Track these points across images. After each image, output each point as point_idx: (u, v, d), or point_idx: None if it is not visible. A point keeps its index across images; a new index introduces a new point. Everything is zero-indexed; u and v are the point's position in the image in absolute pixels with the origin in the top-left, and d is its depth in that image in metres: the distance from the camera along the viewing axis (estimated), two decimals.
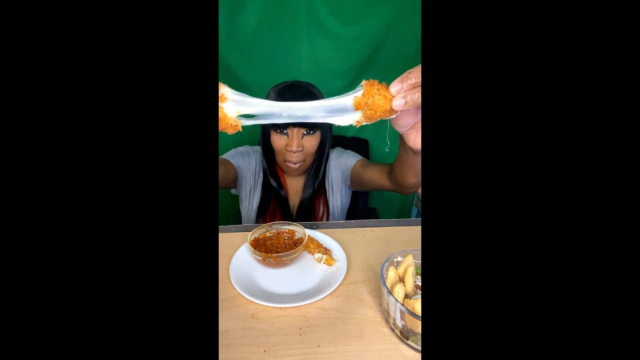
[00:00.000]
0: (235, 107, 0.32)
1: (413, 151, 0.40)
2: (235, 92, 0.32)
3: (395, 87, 0.31)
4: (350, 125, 0.35)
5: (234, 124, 0.33)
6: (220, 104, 0.32)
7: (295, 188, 0.86)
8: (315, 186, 0.83)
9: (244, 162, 0.84)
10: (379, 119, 0.33)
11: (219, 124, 0.32)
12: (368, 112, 0.32)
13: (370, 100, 0.32)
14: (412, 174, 0.56)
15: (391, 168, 0.65)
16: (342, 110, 0.33)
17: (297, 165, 0.76)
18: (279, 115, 0.33)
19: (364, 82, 0.32)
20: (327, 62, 1.04)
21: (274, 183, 0.82)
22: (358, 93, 0.32)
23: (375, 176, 0.74)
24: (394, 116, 0.34)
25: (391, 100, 0.32)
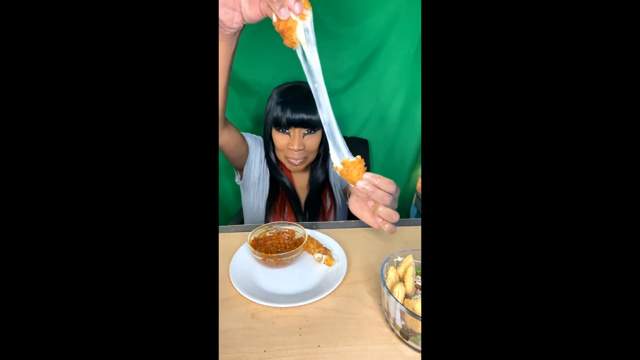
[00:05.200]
0: (302, 35, 0.38)
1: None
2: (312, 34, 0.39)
3: (367, 175, 0.43)
4: (351, 125, 0.37)
5: (293, 39, 0.39)
6: (299, 20, 0.37)
7: (301, 183, 0.88)
8: (321, 182, 0.85)
9: (254, 148, 0.84)
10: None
11: (283, 26, 0.37)
12: (345, 172, 0.44)
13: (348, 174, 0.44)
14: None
15: None
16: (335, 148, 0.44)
17: (298, 162, 0.79)
18: (314, 82, 0.44)
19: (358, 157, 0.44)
20: (327, 62, 1.04)
21: (281, 178, 0.84)
22: (352, 159, 0.43)
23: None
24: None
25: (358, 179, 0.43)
